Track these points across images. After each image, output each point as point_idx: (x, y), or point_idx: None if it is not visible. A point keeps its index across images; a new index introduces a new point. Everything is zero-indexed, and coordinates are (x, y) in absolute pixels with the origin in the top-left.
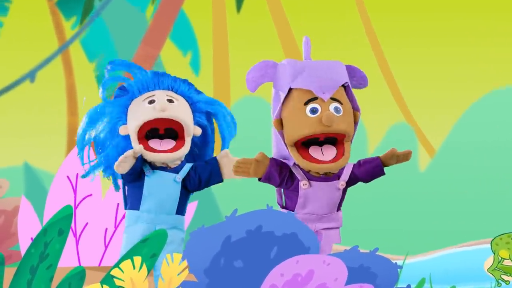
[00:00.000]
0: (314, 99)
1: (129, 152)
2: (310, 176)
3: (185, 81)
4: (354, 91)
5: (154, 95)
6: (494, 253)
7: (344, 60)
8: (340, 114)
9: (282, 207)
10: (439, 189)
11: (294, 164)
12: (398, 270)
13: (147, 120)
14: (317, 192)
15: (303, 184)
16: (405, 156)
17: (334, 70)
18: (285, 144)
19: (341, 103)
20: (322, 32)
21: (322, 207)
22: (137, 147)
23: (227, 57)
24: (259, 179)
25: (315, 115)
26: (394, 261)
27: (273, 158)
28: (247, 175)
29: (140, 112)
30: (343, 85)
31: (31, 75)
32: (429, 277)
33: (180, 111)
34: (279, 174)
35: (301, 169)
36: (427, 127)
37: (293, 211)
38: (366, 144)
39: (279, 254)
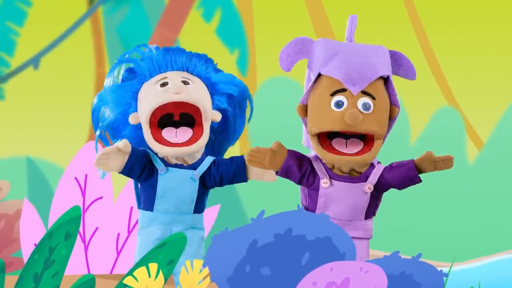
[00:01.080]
0: (343, 90)
1: (110, 148)
2: (333, 174)
3: (201, 57)
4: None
5: (166, 77)
6: None
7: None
8: (369, 111)
9: (306, 208)
10: (490, 186)
11: (316, 157)
12: (444, 278)
13: (161, 104)
14: (339, 194)
15: (323, 182)
16: (445, 163)
17: (373, 58)
18: (307, 132)
19: (373, 98)
20: (359, 15)
21: (345, 212)
22: (121, 143)
23: (253, 35)
24: (277, 173)
25: (340, 109)
26: (439, 268)
27: (292, 150)
28: (262, 166)
29: (152, 96)
30: (382, 77)
31: (34, 61)
32: (478, 286)
33: (196, 93)
34: (299, 168)
35: (323, 164)
36: (474, 116)
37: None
38: (408, 131)
39: (311, 260)
